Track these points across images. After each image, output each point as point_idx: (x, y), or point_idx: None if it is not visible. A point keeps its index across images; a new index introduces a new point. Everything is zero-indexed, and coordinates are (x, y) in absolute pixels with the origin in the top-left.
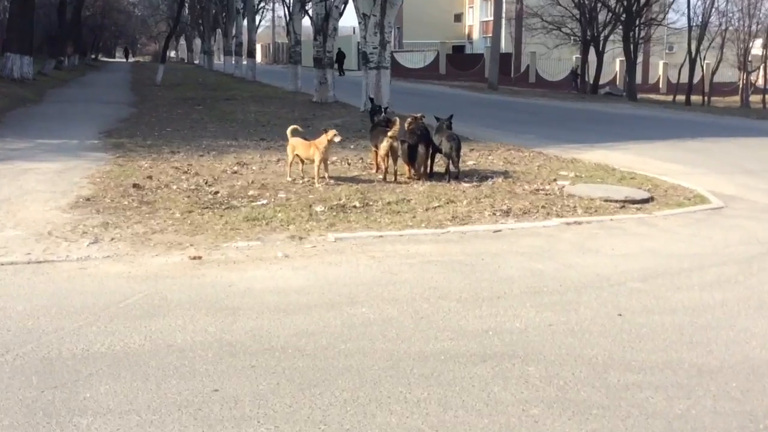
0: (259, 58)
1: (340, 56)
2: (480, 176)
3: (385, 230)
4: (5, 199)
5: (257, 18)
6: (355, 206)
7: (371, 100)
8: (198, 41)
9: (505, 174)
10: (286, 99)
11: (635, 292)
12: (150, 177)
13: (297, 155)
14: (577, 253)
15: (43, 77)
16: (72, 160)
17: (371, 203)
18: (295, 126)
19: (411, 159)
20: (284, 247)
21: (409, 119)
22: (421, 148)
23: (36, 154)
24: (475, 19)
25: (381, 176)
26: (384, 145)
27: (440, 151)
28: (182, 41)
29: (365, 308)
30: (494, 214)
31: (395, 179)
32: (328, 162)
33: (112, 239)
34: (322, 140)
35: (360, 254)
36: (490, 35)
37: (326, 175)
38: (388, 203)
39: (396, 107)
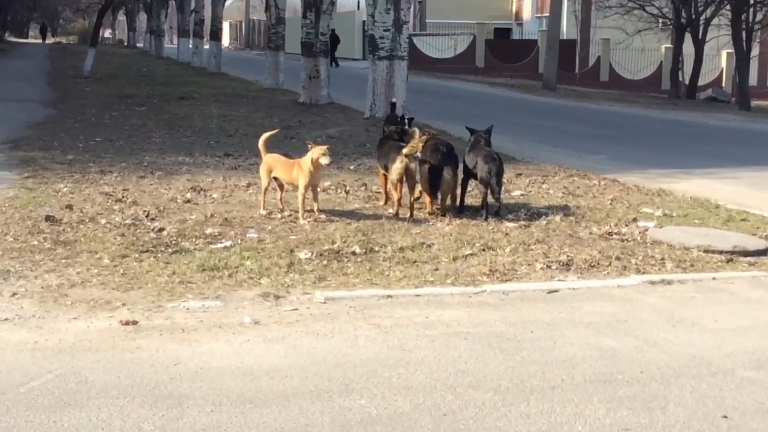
0: (226, 41)
1: (334, 40)
2: (530, 212)
3: (395, 287)
4: None
5: None
6: (354, 252)
7: (393, 105)
8: (143, 17)
9: (565, 210)
10: (262, 99)
11: (747, 384)
12: (70, 207)
13: (275, 178)
14: (665, 326)
15: None
16: None
17: (377, 248)
18: (271, 133)
19: (433, 187)
20: (254, 310)
21: (423, 136)
22: (447, 172)
23: None
24: None
25: (392, 210)
26: (397, 167)
27: (474, 177)
28: (121, 17)
29: (365, 400)
30: (549, 266)
31: (411, 215)
32: (318, 189)
33: (14, 295)
34: (308, 159)
35: (360, 321)
36: (547, 15)
37: (315, 208)
38: (401, 249)
39: (415, 114)
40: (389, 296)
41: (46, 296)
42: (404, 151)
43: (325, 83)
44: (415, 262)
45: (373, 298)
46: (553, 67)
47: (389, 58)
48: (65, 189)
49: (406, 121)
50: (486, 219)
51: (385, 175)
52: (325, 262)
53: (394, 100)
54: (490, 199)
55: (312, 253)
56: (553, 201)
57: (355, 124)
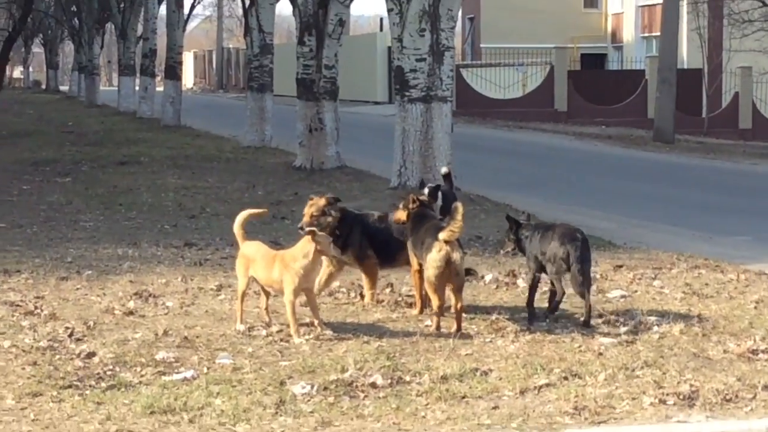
0: (189, 80)
1: None
2: (635, 322)
3: None
4: None
5: (186, 3)
6: (374, 384)
7: (447, 177)
8: (68, 48)
9: (688, 319)
10: (240, 162)
11: None
12: None
13: (253, 278)
14: None
15: None
16: None
17: (408, 378)
18: (254, 212)
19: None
20: None
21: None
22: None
23: None
24: (626, 3)
25: (432, 323)
26: (435, 258)
27: (543, 270)
28: (37, 48)
29: None
30: (663, 402)
31: (458, 327)
32: (316, 292)
33: None
34: (300, 249)
35: None
36: (657, 35)
37: (317, 321)
38: (443, 378)
39: (465, 180)
40: None
41: None
42: (441, 236)
43: (333, 138)
44: (464, 397)
45: None
46: (669, 110)
47: (425, 99)
48: None
49: (429, 189)
50: (547, 318)
51: (420, 272)
52: (331, 399)
53: (445, 169)
54: (569, 295)
55: (312, 387)
56: (669, 305)
57: (377, 197)
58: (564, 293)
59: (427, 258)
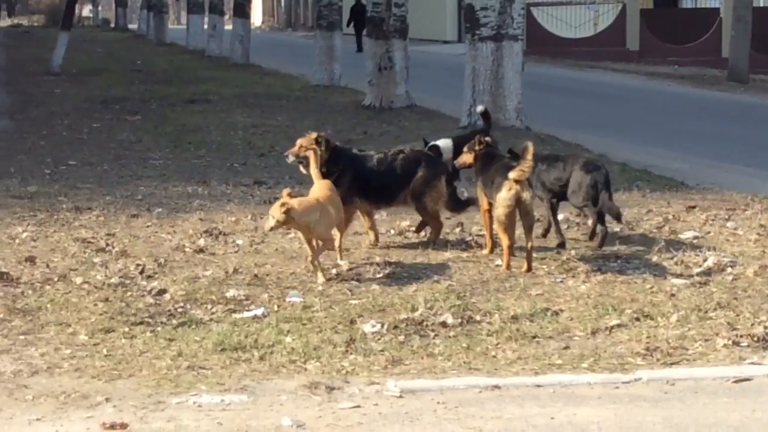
0: (257, 19)
1: (358, 12)
2: (708, 263)
3: (505, 374)
4: None
5: None
6: (444, 323)
7: (484, 115)
8: None
9: (761, 259)
10: (310, 100)
11: None
12: (31, 259)
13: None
14: None
15: None
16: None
17: (478, 318)
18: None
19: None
20: (296, 408)
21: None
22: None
23: None
24: None
25: (502, 262)
26: (505, 197)
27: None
28: None
29: None
30: (736, 343)
31: (528, 267)
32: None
33: None
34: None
35: (452, 424)
36: None
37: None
38: (514, 318)
39: (535, 120)
40: (496, 387)
41: None
42: (511, 175)
43: (402, 77)
44: (534, 336)
45: (473, 390)
46: (743, 49)
47: (496, 38)
48: (25, 234)
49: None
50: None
51: (489, 211)
52: (401, 338)
53: (481, 108)
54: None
55: (382, 325)
56: (743, 247)
57: (446, 136)
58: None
59: (496, 197)
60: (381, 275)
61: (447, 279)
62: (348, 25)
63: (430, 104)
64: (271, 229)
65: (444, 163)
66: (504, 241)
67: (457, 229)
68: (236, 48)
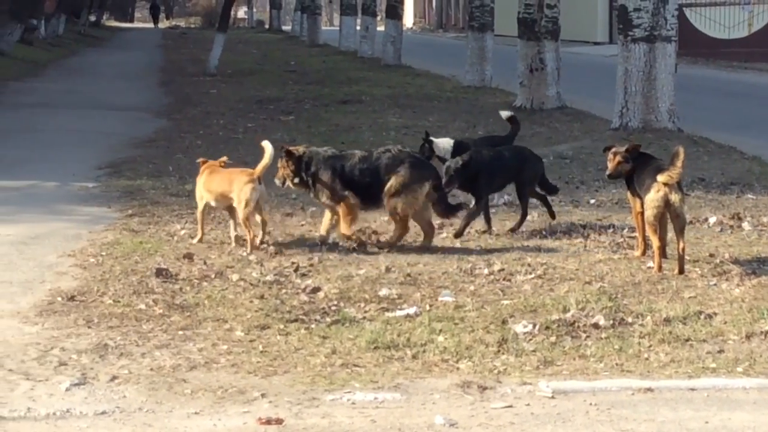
0: (409, 20)
1: None
2: None
3: (658, 377)
4: None
5: None
6: (596, 325)
7: (512, 120)
8: None
9: None
10: (461, 101)
11: None
12: (189, 256)
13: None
14: None
15: None
16: (45, 219)
17: (630, 320)
18: None
19: None
20: (449, 407)
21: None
22: None
23: None
24: None
25: (654, 264)
26: (653, 199)
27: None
28: None
29: None
30: None
31: (680, 269)
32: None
33: (113, 379)
34: None
35: (605, 426)
36: None
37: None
38: (667, 320)
39: (689, 122)
40: (649, 390)
41: (156, 382)
42: (660, 178)
43: (553, 78)
44: (687, 339)
45: (625, 392)
46: None
47: (649, 39)
48: (183, 232)
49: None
50: None
51: (642, 213)
52: (552, 339)
53: (507, 113)
54: None
55: (534, 326)
56: None
57: (597, 137)
58: None
59: (646, 199)
60: (532, 276)
61: (598, 280)
62: None
63: (581, 105)
64: None
65: (431, 165)
66: (654, 242)
67: (609, 231)
68: (388, 49)
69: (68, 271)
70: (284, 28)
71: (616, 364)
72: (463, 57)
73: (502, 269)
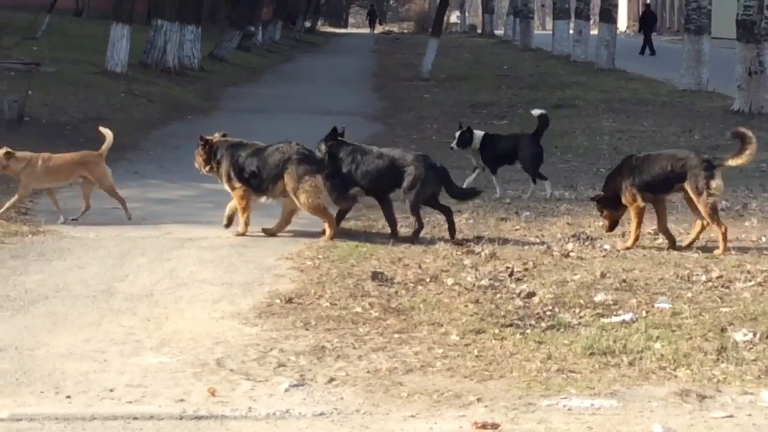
0: (623, 23)
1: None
2: None
3: None
4: (145, 293)
5: None
6: None
7: (541, 118)
8: None
9: None
10: (676, 106)
11: None
12: (403, 260)
13: None
14: None
15: (215, 65)
16: (264, 222)
17: None
18: None
19: None
20: (667, 415)
21: None
22: None
23: (200, 209)
24: None
25: None
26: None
27: None
28: None
29: None
30: None
31: None
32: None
33: (331, 381)
34: None
35: None
36: None
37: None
38: None
39: None
40: None
41: (373, 384)
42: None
43: None
44: None
45: None
46: None
47: None
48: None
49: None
50: None
51: None
52: None
53: (538, 111)
54: None
55: (755, 334)
56: None
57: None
58: None
59: None
60: (752, 283)
61: None
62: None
63: None
64: None
65: (318, 158)
66: None
67: None
68: (601, 53)
69: (286, 273)
70: (497, 32)
71: None
72: (678, 60)
73: (721, 276)
